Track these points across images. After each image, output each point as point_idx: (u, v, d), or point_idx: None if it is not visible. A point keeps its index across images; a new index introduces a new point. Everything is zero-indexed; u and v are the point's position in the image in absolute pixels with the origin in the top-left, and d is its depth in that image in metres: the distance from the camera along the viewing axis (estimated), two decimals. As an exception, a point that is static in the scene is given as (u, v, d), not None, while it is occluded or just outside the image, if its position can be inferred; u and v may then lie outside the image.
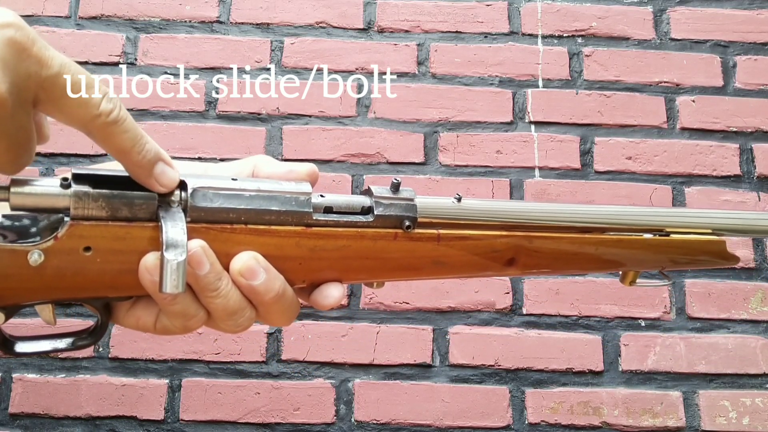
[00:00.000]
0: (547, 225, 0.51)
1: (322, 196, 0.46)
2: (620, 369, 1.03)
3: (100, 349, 1.01)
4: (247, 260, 0.42)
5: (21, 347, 0.43)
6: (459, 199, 0.48)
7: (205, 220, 0.42)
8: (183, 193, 0.42)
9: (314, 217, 0.45)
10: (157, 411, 0.99)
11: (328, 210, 0.45)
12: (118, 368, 1.00)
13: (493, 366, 1.02)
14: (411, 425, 1.00)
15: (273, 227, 0.44)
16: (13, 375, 1.00)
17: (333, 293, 0.46)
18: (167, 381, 1.00)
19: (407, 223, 0.47)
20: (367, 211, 0.46)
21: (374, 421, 0.99)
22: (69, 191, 0.39)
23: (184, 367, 1.01)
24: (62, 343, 0.44)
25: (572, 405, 1.01)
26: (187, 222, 0.41)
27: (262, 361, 1.01)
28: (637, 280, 0.55)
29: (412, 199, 0.47)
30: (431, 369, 1.02)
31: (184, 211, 0.41)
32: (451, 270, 0.49)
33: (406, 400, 1.00)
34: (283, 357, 1.02)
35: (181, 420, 0.99)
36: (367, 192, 0.47)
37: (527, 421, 1.00)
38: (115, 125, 0.38)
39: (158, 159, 0.40)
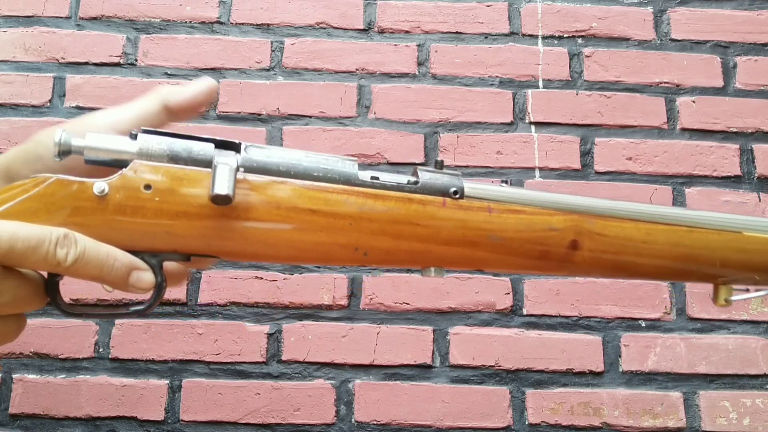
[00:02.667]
0: (607, 215, 0.48)
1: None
2: (620, 369, 1.03)
3: (101, 350, 1.01)
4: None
5: (77, 309, 0.44)
6: (508, 182, 0.48)
7: (257, 171, 0.44)
8: (237, 152, 0.44)
9: (361, 179, 0.45)
10: (157, 411, 0.99)
11: (374, 178, 0.46)
12: (119, 369, 1.00)
13: (494, 366, 1.02)
14: (411, 426, 1.00)
15: (321, 183, 0.44)
16: (14, 375, 1.00)
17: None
18: (167, 381, 1.00)
19: (454, 189, 0.46)
20: (414, 183, 0.46)
21: (374, 422, 0.99)
22: (136, 140, 0.43)
23: (185, 368, 1.01)
24: (120, 309, 0.45)
25: (572, 405, 1.01)
26: (241, 171, 0.43)
27: (263, 362, 1.01)
28: (733, 297, 0.50)
29: (458, 174, 0.47)
30: (431, 370, 1.02)
31: (238, 164, 0.43)
32: (509, 251, 0.47)
33: (406, 401, 1.00)
34: (284, 357, 1.02)
35: (182, 420, 0.99)
36: (414, 171, 0.48)
37: (527, 421, 1.00)
38: (77, 264, 0.39)
39: (130, 270, 0.42)
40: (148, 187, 0.41)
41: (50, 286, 0.42)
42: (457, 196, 0.46)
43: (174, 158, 0.43)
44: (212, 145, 0.44)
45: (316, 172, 0.45)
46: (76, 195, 0.41)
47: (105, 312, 0.46)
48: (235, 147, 0.44)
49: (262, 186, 0.43)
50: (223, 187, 0.40)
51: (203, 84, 0.48)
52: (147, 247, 0.43)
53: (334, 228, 0.44)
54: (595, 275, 0.49)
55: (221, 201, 0.41)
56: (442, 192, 0.46)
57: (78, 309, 0.45)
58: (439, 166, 0.47)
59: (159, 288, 0.44)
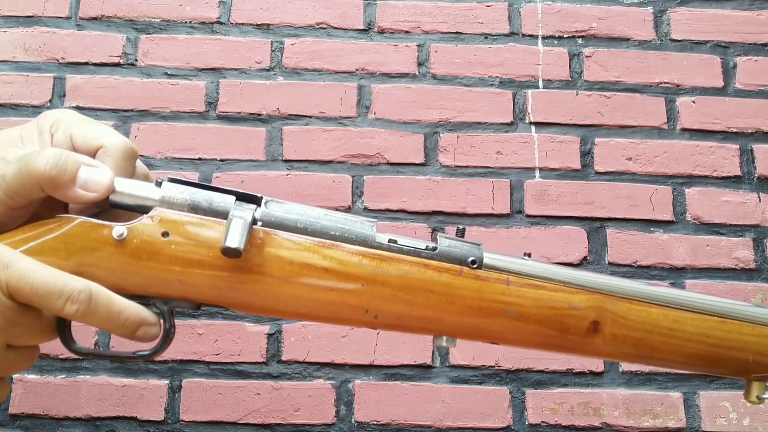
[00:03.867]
0: (632, 298, 0.45)
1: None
2: (621, 370, 1.03)
3: (101, 350, 1.01)
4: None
5: (84, 351, 0.46)
6: (529, 255, 0.46)
7: (274, 226, 0.44)
8: (257, 206, 0.45)
9: (378, 242, 0.45)
10: (157, 412, 0.99)
11: (392, 241, 0.46)
12: (119, 369, 1.00)
13: (494, 367, 1.02)
14: (411, 426, 1.00)
15: (337, 242, 0.44)
16: (13, 375, 0.99)
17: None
18: (167, 382, 1.00)
19: (472, 259, 0.45)
20: (432, 249, 0.46)
21: (375, 422, 0.99)
22: (160, 187, 0.44)
23: (185, 368, 1.01)
24: (127, 354, 0.47)
25: (573, 406, 1.01)
26: (260, 226, 0.44)
27: (263, 362, 1.01)
28: (766, 395, 0.47)
29: (478, 244, 0.46)
30: (431, 370, 1.02)
31: (255, 218, 0.44)
32: (525, 326, 0.45)
33: (406, 401, 1.00)
34: (284, 358, 1.02)
35: (182, 421, 0.99)
36: (433, 237, 0.47)
37: (527, 421, 1.00)
38: (87, 315, 0.41)
39: (139, 326, 0.44)
40: (165, 234, 0.42)
41: (61, 324, 0.44)
42: (475, 265, 0.45)
43: (195, 208, 0.43)
44: (233, 198, 0.44)
45: (334, 231, 0.45)
46: (96, 237, 0.42)
47: (111, 355, 0.47)
48: (256, 200, 0.45)
49: (278, 241, 0.43)
50: (234, 240, 0.41)
51: (95, 183, 0.43)
52: (159, 293, 0.44)
53: (346, 289, 0.44)
54: (616, 359, 0.47)
55: (231, 254, 0.41)
56: (460, 261, 0.45)
57: (85, 350, 0.46)
58: (460, 233, 0.47)
59: (167, 334, 0.45)
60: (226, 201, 0.44)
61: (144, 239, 0.42)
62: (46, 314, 0.42)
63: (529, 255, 0.47)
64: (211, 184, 0.45)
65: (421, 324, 0.46)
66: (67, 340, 0.44)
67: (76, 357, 1.00)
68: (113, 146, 0.44)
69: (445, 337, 0.47)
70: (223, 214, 0.43)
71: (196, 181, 0.45)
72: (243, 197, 0.45)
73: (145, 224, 0.42)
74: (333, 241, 0.44)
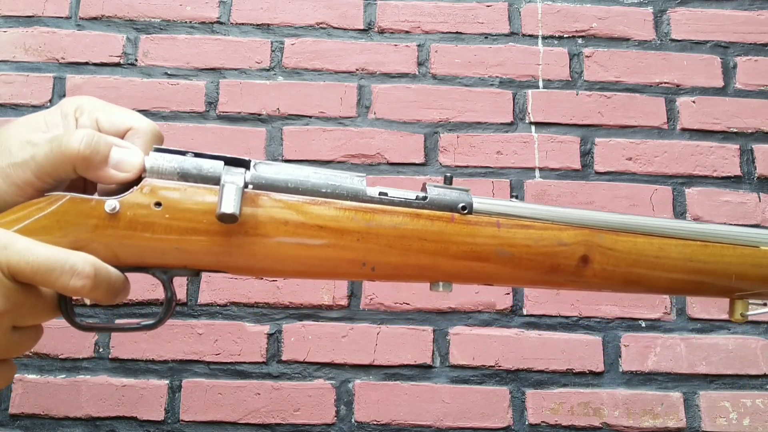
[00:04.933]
0: (618, 230, 0.47)
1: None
2: (620, 370, 1.03)
3: (101, 350, 1.01)
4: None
5: (87, 325, 0.45)
6: (516, 197, 0.48)
7: (265, 188, 0.44)
8: (247, 169, 0.45)
9: (368, 195, 0.46)
10: (157, 412, 0.99)
11: (383, 194, 0.46)
12: (119, 369, 1.00)
13: (494, 367, 1.02)
14: (411, 426, 0.99)
15: (329, 199, 0.45)
16: (14, 377, 0.99)
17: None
18: (167, 382, 1.00)
19: (462, 205, 0.46)
20: (422, 199, 0.47)
21: (375, 422, 0.99)
22: (147, 156, 0.44)
23: (185, 368, 1.01)
24: (129, 326, 0.47)
25: (573, 406, 1.01)
26: (250, 188, 0.44)
27: (263, 362, 1.01)
28: (749, 312, 0.49)
29: (467, 190, 0.48)
30: (431, 370, 1.02)
31: (246, 181, 0.44)
32: (519, 266, 0.46)
33: (406, 401, 1.00)
34: (284, 358, 1.02)
35: (182, 421, 0.99)
36: (422, 187, 0.48)
37: (528, 421, 1.00)
38: (93, 289, 0.41)
39: (121, 291, 0.44)
40: (158, 204, 0.43)
41: (63, 302, 0.43)
42: (466, 211, 0.46)
43: (184, 176, 0.43)
44: (222, 163, 0.44)
45: (324, 188, 0.45)
46: (89, 213, 0.42)
47: (115, 327, 0.47)
48: (244, 164, 0.45)
49: (270, 203, 0.44)
50: (229, 206, 0.41)
51: (128, 163, 0.44)
52: (157, 263, 0.44)
53: (342, 244, 0.44)
54: (606, 290, 0.48)
55: (228, 219, 0.42)
56: (451, 207, 0.46)
57: (89, 324, 0.45)
58: (448, 181, 0.48)
59: (169, 303, 0.45)
60: (215, 166, 0.44)
61: (137, 211, 0.42)
62: (46, 292, 0.42)
63: (517, 197, 0.48)
64: (198, 151, 0.45)
65: (418, 272, 0.46)
66: (70, 317, 0.44)
67: (76, 357, 1.00)
68: (143, 128, 0.45)
69: (441, 283, 0.47)
70: (213, 180, 0.44)
71: (182, 149, 0.45)
72: (231, 161, 0.45)
73: (137, 196, 0.42)
74: (325, 198, 0.45)
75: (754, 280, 0.48)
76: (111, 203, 0.42)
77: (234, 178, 0.43)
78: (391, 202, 0.46)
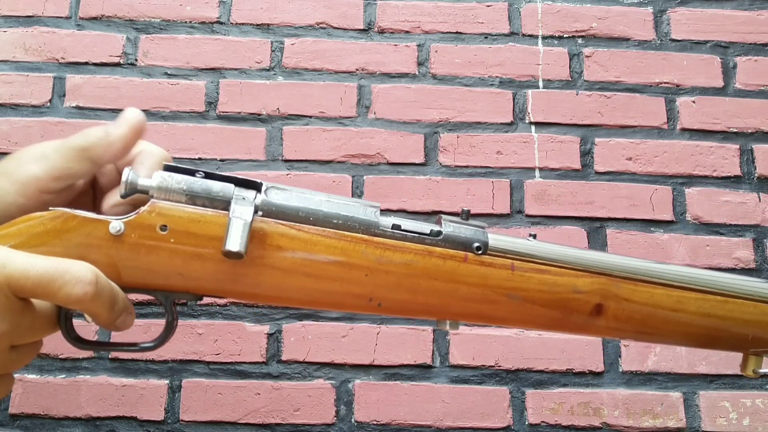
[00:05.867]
0: (636, 279, 0.45)
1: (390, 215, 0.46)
2: (620, 370, 1.03)
3: (104, 341, 1.01)
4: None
5: (87, 343, 0.45)
6: (534, 237, 0.46)
7: (275, 215, 0.43)
8: (258, 192, 0.44)
9: (381, 228, 0.44)
10: (157, 411, 0.99)
11: (396, 227, 0.45)
12: (118, 369, 1.00)
13: (494, 367, 1.02)
14: (411, 426, 0.99)
15: (339, 231, 0.44)
16: (14, 375, 0.99)
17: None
18: (167, 381, 1.00)
19: (477, 245, 0.45)
20: (436, 234, 0.45)
21: (374, 422, 0.99)
22: (155, 175, 0.43)
23: (184, 368, 1.01)
24: (131, 346, 0.45)
25: (572, 406, 1.01)
26: (260, 215, 0.43)
27: (263, 362, 1.01)
28: (762, 369, 0.48)
29: (483, 226, 0.46)
30: (431, 370, 1.02)
31: (256, 207, 0.43)
32: (530, 311, 0.45)
33: (406, 401, 1.00)
34: (284, 358, 1.02)
35: (181, 420, 0.99)
36: (438, 220, 0.46)
37: (527, 421, 1.00)
38: (95, 298, 0.40)
39: (123, 312, 0.42)
40: (164, 228, 0.42)
41: (62, 318, 0.42)
42: (480, 251, 0.45)
43: (193, 198, 0.42)
44: (232, 186, 0.43)
45: (336, 219, 0.44)
46: (92, 232, 0.41)
47: (114, 346, 0.46)
48: (256, 187, 0.44)
49: (279, 232, 0.43)
50: (235, 244, 0.40)
51: (128, 126, 0.45)
52: (159, 286, 0.43)
53: (350, 278, 0.43)
54: (616, 338, 0.48)
55: (233, 256, 0.41)
56: (465, 246, 0.45)
57: (88, 341, 0.45)
58: (465, 216, 0.46)
59: (170, 326, 0.44)
60: (225, 189, 0.43)
61: (142, 233, 0.41)
62: (45, 309, 0.41)
63: (534, 236, 0.47)
64: (209, 171, 0.44)
65: (425, 309, 0.45)
66: (69, 332, 0.43)
67: (76, 357, 1.00)
68: (153, 151, 0.46)
69: (449, 322, 0.46)
70: (222, 204, 0.42)
71: (192, 168, 0.44)
72: (242, 183, 0.44)
73: (143, 218, 0.42)
74: (336, 230, 0.44)
75: None
76: (116, 225, 0.41)
77: (243, 210, 0.41)
78: (404, 238, 0.44)
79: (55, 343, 1.01)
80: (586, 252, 0.46)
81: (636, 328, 0.46)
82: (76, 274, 0.38)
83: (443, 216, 0.46)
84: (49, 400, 0.99)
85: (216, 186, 0.43)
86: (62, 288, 0.38)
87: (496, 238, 0.45)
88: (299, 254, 0.43)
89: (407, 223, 0.45)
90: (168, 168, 0.43)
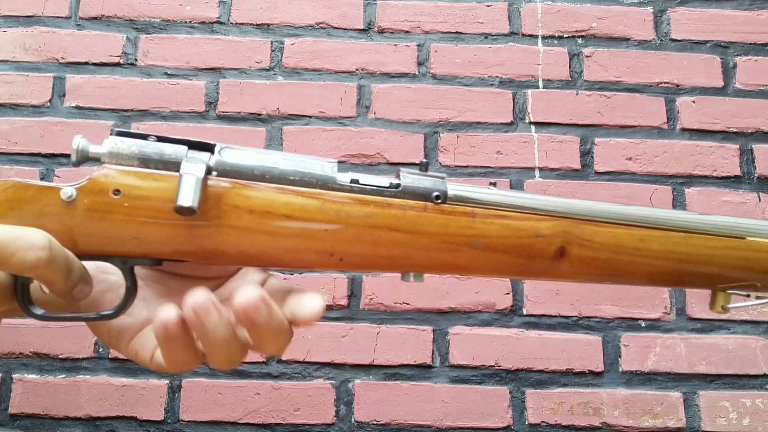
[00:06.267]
0: (598, 220, 0.45)
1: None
2: (620, 369, 1.03)
3: (101, 350, 1.01)
4: (252, 298, 0.40)
5: (45, 314, 0.43)
6: (494, 185, 0.46)
7: (230, 174, 0.42)
8: (212, 153, 0.43)
9: (339, 183, 0.44)
10: (157, 411, 0.99)
11: (354, 181, 0.44)
12: (118, 369, 1.00)
13: (494, 366, 1.02)
14: (411, 426, 0.99)
15: (296, 187, 0.43)
16: (13, 375, 0.99)
17: (310, 303, 0.42)
18: (167, 381, 1.00)
19: (436, 194, 0.44)
20: (395, 186, 0.45)
21: (374, 422, 0.99)
22: (105, 141, 0.42)
23: (184, 368, 1.01)
24: (88, 315, 0.44)
25: (572, 405, 1.01)
26: (214, 176, 0.42)
27: (262, 362, 1.01)
28: (731, 304, 0.47)
29: (442, 177, 0.46)
30: (431, 370, 1.02)
31: (209, 167, 0.42)
32: (492, 258, 0.44)
33: (406, 401, 1.00)
34: (283, 357, 1.02)
35: (181, 420, 0.99)
36: (397, 173, 0.46)
37: (527, 421, 1.00)
38: (50, 263, 0.39)
39: (79, 281, 0.42)
40: (117, 192, 0.41)
41: (19, 288, 0.41)
42: (440, 201, 0.44)
43: (145, 161, 0.42)
44: (185, 147, 0.42)
45: (293, 175, 0.43)
46: (44, 200, 0.40)
47: (72, 317, 0.44)
48: (209, 148, 0.43)
49: (234, 191, 0.42)
50: (187, 199, 0.39)
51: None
52: (116, 252, 0.42)
53: (309, 234, 0.42)
54: (581, 281, 0.47)
55: (185, 212, 0.40)
56: (424, 196, 0.44)
57: (44, 314, 0.43)
58: (424, 168, 0.46)
59: (129, 292, 0.43)
60: (178, 151, 0.42)
61: (95, 199, 0.41)
62: (0, 279, 0.40)
63: (494, 185, 0.46)
64: (161, 135, 0.43)
65: (388, 262, 0.44)
66: (26, 304, 0.42)
67: (76, 357, 1.00)
68: None
69: (412, 273, 0.45)
70: (175, 166, 0.42)
71: (144, 132, 0.43)
72: (195, 146, 0.43)
73: (94, 183, 0.41)
74: (293, 186, 0.43)
75: (738, 272, 0.47)
76: (67, 191, 0.40)
77: (194, 167, 0.41)
78: (363, 191, 0.44)
79: (54, 343, 1.01)
80: (546, 197, 0.46)
81: (601, 270, 0.46)
82: (29, 239, 0.38)
83: (401, 169, 0.46)
84: (49, 400, 0.99)
85: (169, 148, 0.42)
86: (15, 254, 0.37)
87: (456, 188, 0.45)
88: (256, 212, 0.42)
89: (366, 177, 0.44)
90: (119, 133, 0.43)
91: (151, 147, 0.42)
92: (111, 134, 0.43)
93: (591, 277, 0.46)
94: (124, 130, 0.43)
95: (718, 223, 0.47)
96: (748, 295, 0.49)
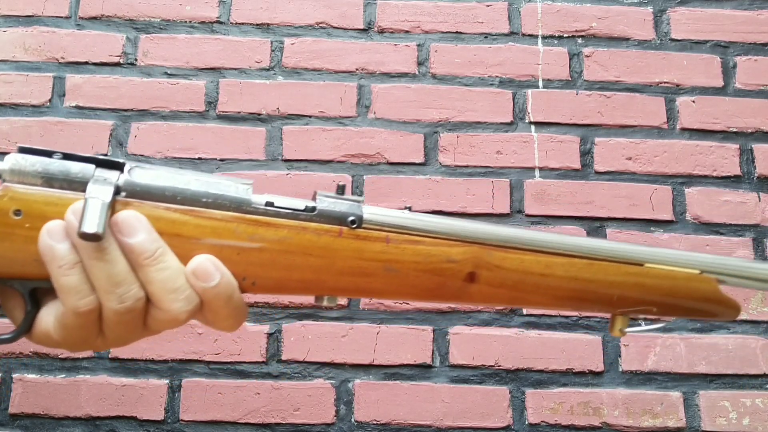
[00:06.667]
0: (507, 246, 0.47)
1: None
2: (620, 369, 1.03)
3: None
4: (201, 261, 0.40)
5: None
6: (409, 209, 0.46)
7: (140, 196, 0.41)
8: (121, 172, 0.41)
9: (253, 206, 0.43)
10: (157, 411, 0.99)
11: (269, 204, 0.43)
12: (118, 368, 1.00)
13: (493, 366, 1.02)
14: (411, 426, 1.00)
15: (209, 210, 0.42)
16: (13, 375, 1.00)
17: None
18: (167, 381, 1.00)
19: (352, 219, 0.44)
20: (311, 210, 0.44)
21: (374, 422, 0.99)
22: (7, 157, 0.40)
23: (184, 368, 1.01)
24: None
25: (572, 405, 1.01)
26: (123, 197, 0.40)
27: (262, 362, 1.01)
28: (628, 328, 0.49)
29: (358, 201, 0.45)
30: (431, 369, 1.02)
31: (118, 187, 0.40)
32: (405, 282, 0.45)
33: (406, 401, 1.00)
34: (283, 357, 1.02)
35: (181, 420, 0.99)
36: (313, 196, 0.46)
37: (527, 421, 1.00)
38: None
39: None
40: (18, 212, 0.39)
41: None
42: (355, 225, 0.44)
43: (49, 180, 0.40)
44: (93, 166, 0.41)
45: (206, 197, 0.42)
46: None
47: None
48: (119, 167, 0.41)
49: (144, 213, 0.40)
50: (92, 225, 0.38)
51: None
52: (16, 274, 0.41)
53: (221, 258, 0.41)
54: (490, 304, 0.49)
55: (90, 238, 0.38)
56: (340, 220, 0.44)
57: None
58: (341, 191, 0.46)
59: (29, 316, 0.42)
60: (85, 170, 0.40)
61: None
62: None
63: (410, 209, 0.46)
64: (68, 152, 0.41)
65: (301, 286, 0.45)
66: None
67: (76, 357, 1.00)
68: None
69: (326, 297, 0.46)
70: (81, 185, 0.40)
71: (50, 149, 0.41)
72: (104, 164, 0.41)
73: None
74: (206, 208, 0.42)
75: (635, 298, 0.48)
76: None
77: (101, 189, 0.39)
78: (277, 214, 0.43)
79: (55, 343, 1.01)
80: (459, 222, 0.47)
81: (508, 294, 0.47)
82: None
83: (318, 192, 0.46)
84: (49, 399, 0.99)
85: (75, 167, 0.40)
86: None
87: (371, 212, 0.45)
88: (166, 235, 0.41)
89: (281, 200, 0.44)
90: (23, 150, 0.41)
91: (56, 165, 0.40)
92: (14, 151, 0.41)
93: (499, 301, 0.48)
94: (27, 146, 0.41)
95: (619, 251, 0.48)
96: (645, 319, 0.51)
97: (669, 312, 0.49)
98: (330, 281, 0.44)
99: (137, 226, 0.40)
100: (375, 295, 0.47)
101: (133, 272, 0.40)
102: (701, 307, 0.49)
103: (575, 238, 0.48)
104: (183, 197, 0.42)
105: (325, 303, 0.46)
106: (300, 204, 0.44)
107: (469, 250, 0.46)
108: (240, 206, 0.43)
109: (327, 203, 0.45)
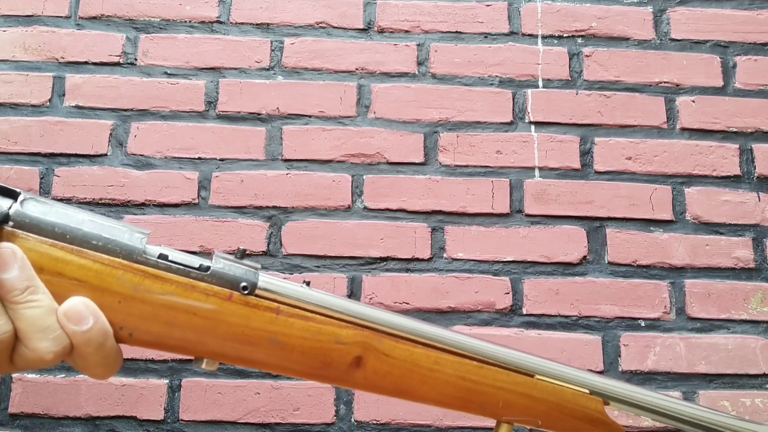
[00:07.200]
0: (399, 335, 0.46)
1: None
2: (620, 369, 1.03)
3: (100, 349, 1.01)
4: (75, 304, 0.39)
5: None
6: (308, 284, 0.45)
7: (27, 228, 0.39)
8: (14, 201, 0.40)
9: (145, 256, 0.41)
10: (156, 411, 0.99)
11: (162, 257, 0.42)
12: (118, 368, 1.00)
13: (493, 366, 1.02)
14: (411, 425, 1.00)
15: (97, 253, 0.40)
16: (13, 375, 1.00)
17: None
18: (167, 381, 1.00)
19: (244, 284, 0.43)
20: (205, 269, 0.43)
21: (374, 422, 0.99)
22: None
23: (184, 367, 1.01)
24: None
25: (572, 405, 1.01)
26: (10, 226, 0.39)
27: (262, 362, 1.01)
28: None
29: (255, 268, 0.44)
30: (431, 369, 1.02)
31: (7, 216, 0.39)
32: (289, 357, 0.44)
33: (406, 401, 1.00)
34: (283, 357, 1.02)
35: (181, 420, 0.99)
36: (211, 255, 0.44)
37: (527, 421, 1.00)
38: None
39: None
40: None
41: None
42: (246, 292, 0.43)
43: None
44: None
45: (96, 240, 0.40)
46: None
47: None
48: (12, 196, 0.40)
49: (27, 245, 0.39)
50: None
51: None
52: None
53: (101, 303, 0.40)
54: (373, 392, 0.47)
55: None
56: (232, 284, 0.43)
57: None
58: (240, 255, 0.44)
59: None
60: None
61: None
62: None
63: (308, 283, 0.45)
64: None
65: (181, 345, 0.43)
66: None
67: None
68: None
69: (205, 360, 0.44)
70: None
71: None
72: None
73: None
74: (94, 251, 0.40)
75: (522, 408, 0.48)
76: None
77: None
78: (169, 269, 0.42)
79: (54, 343, 1.01)
80: (353, 303, 0.46)
81: (393, 385, 0.46)
82: None
83: (216, 252, 0.44)
84: (49, 399, 0.99)
85: None
86: None
87: (266, 281, 0.44)
88: (47, 272, 0.39)
89: (176, 255, 0.43)
90: None
91: None
92: None
93: (383, 390, 0.47)
94: None
95: (512, 358, 0.48)
96: (530, 430, 0.50)
97: (553, 426, 0.49)
98: (212, 344, 0.43)
99: (10, 262, 0.38)
100: (257, 366, 0.45)
101: (2, 306, 0.39)
102: (585, 428, 0.49)
103: (469, 339, 0.48)
104: (72, 236, 0.40)
105: (203, 366, 0.44)
106: (195, 261, 0.43)
107: (360, 334, 0.45)
108: (130, 254, 0.41)
109: (222, 264, 0.43)
